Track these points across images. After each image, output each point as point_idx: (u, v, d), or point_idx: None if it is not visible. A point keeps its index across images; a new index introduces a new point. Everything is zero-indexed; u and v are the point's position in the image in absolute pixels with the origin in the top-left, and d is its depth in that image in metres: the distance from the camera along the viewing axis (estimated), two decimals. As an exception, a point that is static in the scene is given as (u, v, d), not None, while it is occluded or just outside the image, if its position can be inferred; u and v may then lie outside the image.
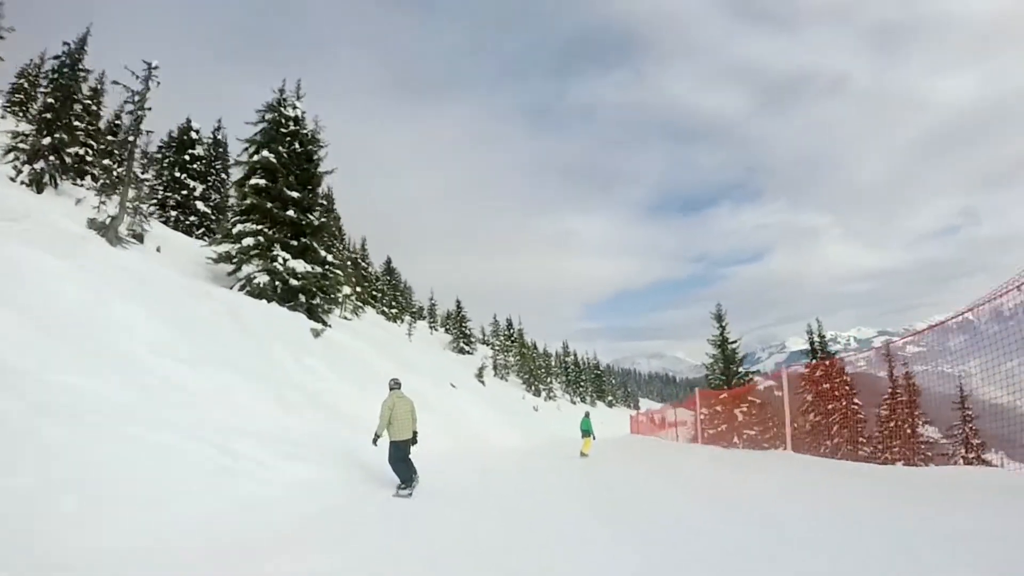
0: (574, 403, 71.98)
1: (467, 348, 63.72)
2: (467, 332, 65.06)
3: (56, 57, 24.36)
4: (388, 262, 67.51)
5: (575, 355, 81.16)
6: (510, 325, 71.09)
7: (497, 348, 65.46)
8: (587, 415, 19.67)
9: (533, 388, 59.89)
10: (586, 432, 18.04)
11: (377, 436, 8.35)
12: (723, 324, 30.25)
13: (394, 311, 58.39)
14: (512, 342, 70.83)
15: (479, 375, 47.91)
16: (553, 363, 75.41)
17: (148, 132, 19.50)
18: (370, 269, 60.08)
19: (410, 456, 8.43)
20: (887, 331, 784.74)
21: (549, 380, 64.15)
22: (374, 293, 55.74)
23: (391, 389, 8.79)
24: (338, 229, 47.95)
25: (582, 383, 77.95)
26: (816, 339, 30.77)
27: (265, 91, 22.88)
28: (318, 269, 21.47)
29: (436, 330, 71.83)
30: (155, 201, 29.67)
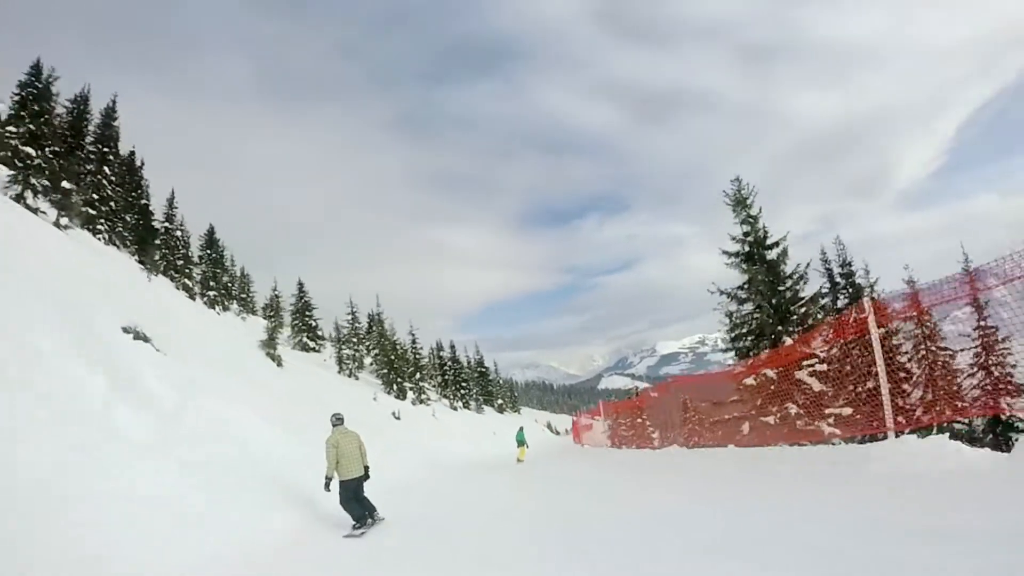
0: (455, 409, 55.73)
1: (312, 344, 46.12)
2: (311, 324, 47.55)
3: None
4: (210, 232, 48.48)
5: (453, 350, 64.69)
6: (371, 319, 54.00)
7: (344, 339, 47.87)
8: (521, 429, 27.70)
9: (395, 388, 43.10)
10: (520, 442, 25.47)
11: (328, 479, 8.08)
12: (748, 202, 19.10)
13: (211, 293, 40.12)
14: (370, 331, 53.29)
15: (268, 347, 29.20)
16: (425, 361, 58.65)
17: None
18: (178, 233, 41.54)
19: (363, 493, 8.30)
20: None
21: (418, 378, 47.37)
22: (177, 262, 37.69)
23: (333, 425, 8.56)
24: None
25: (463, 384, 61.71)
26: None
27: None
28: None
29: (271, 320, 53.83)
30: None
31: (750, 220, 18.97)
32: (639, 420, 22.63)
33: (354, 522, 7.93)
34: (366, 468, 8.52)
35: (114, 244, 33.16)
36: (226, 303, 44.74)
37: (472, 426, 45.02)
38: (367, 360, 50.29)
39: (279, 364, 28.73)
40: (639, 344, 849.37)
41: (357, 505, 8.07)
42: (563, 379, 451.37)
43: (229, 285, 49.93)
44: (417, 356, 50.51)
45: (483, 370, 71.00)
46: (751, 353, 17.37)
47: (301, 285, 49.74)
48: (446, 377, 60.55)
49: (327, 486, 8.12)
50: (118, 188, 34.66)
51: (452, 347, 64.26)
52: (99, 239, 30.26)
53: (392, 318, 49.43)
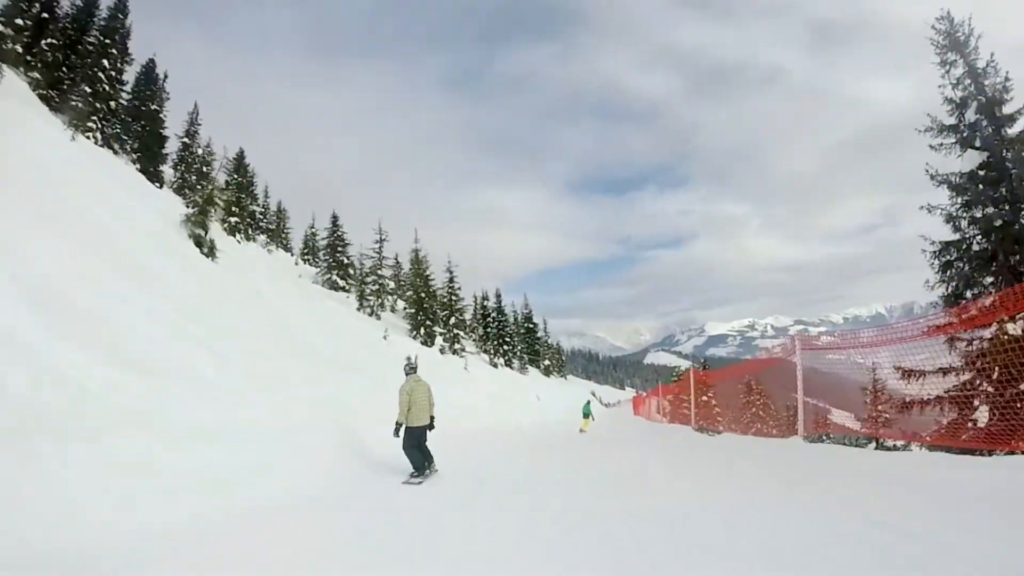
0: (495, 366, 49.52)
1: (342, 283, 40.52)
2: (343, 262, 41.77)
3: None
4: (240, 156, 43.45)
5: (499, 300, 58.11)
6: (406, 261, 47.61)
7: (369, 272, 41.29)
8: (588, 402, 27.91)
9: (422, 332, 36.90)
10: (586, 415, 25.17)
11: (399, 425, 8.19)
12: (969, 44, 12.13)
13: (234, 220, 34.87)
14: (398, 263, 47.84)
15: (195, 226, 21.44)
16: (468, 315, 52.41)
17: None
18: (199, 151, 37.67)
19: (426, 443, 8.36)
20: (803, 320, 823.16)
21: (453, 324, 40.90)
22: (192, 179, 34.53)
23: (407, 374, 8.72)
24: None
25: (508, 340, 55.32)
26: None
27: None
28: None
29: (307, 262, 48.90)
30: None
31: (976, 75, 11.79)
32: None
33: (413, 470, 8.02)
34: (432, 418, 8.66)
35: (109, 147, 29.07)
36: (250, 232, 40.00)
37: (509, 386, 38.52)
38: (399, 304, 44.44)
39: (211, 255, 21.28)
40: (687, 322, 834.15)
41: (419, 454, 8.16)
42: (609, 350, 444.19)
43: (260, 216, 46.77)
44: (454, 298, 43.87)
45: (531, 326, 64.36)
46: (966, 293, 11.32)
47: (335, 219, 44.23)
48: (488, 330, 54.40)
49: (396, 431, 8.19)
50: (120, 87, 31.19)
51: (499, 296, 57.74)
52: (88, 138, 26.24)
53: (430, 253, 42.39)
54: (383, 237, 43.20)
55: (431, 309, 37.83)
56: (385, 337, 29.19)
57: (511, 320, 59.19)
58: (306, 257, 51.43)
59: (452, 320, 40.57)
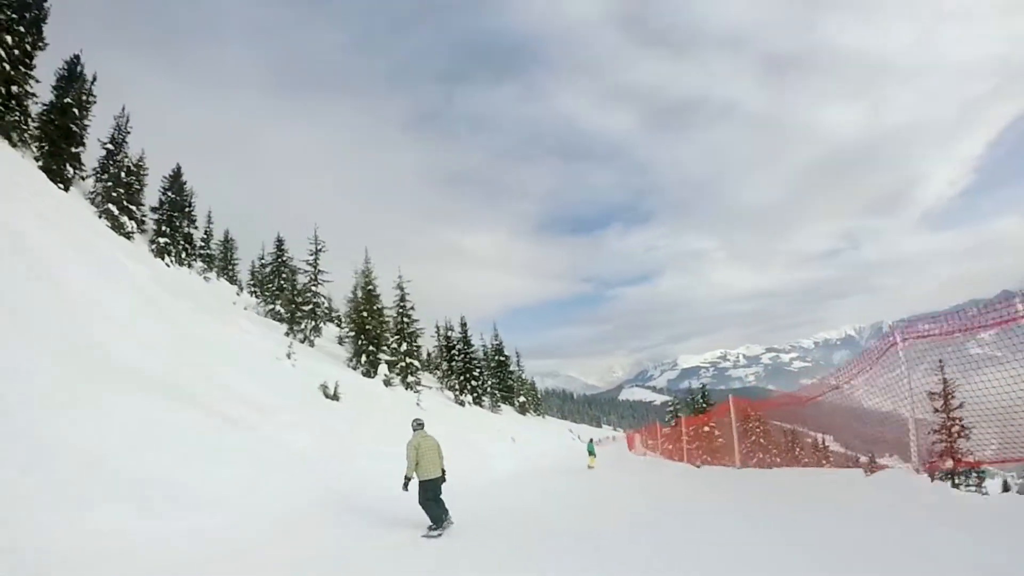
0: (461, 404, 42.99)
1: (286, 312, 34.20)
2: (287, 288, 35.57)
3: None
4: (176, 173, 37.96)
5: (465, 331, 51.79)
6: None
7: (302, 288, 34.65)
8: (591, 440, 30.38)
9: (363, 360, 30.10)
10: (591, 452, 25.69)
11: (408, 479, 8.36)
12: None
13: (163, 241, 29.05)
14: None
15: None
16: (428, 345, 45.94)
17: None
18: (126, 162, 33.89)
19: (441, 495, 8.43)
20: (774, 347, 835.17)
21: (404, 351, 34.16)
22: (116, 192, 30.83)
23: (414, 430, 8.82)
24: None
25: (475, 376, 48.87)
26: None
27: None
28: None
29: (254, 294, 43.98)
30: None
31: None
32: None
33: (431, 523, 8.11)
34: (443, 471, 8.72)
35: (6, 136, 24.57)
36: (184, 256, 35.84)
37: (475, 426, 32.13)
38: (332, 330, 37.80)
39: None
40: (660, 357, 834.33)
41: (436, 506, 8.26)
42: (583, 389, 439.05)
43: (201, 241, 42.43)
44: (406, 320, 37.33)
45: (502, 359, 58.23)
46: None
47: (280, 242, 38.10)
48: (453, 364, 48.06)
49: (406, 486, 8.37)
50: (28, 72, 26.52)
51: (464, 326, 51.74)
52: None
53: (381, 277, 35.93)
54: (319, 247, 35.97)
55: (375, 332, 31.30)
56: (290, 356, 23.20)
57: (479, 353, 53.06)
58: (254, 289, 46.43)
59: (403, 347, 34.02)
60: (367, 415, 20.81)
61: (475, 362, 49.87)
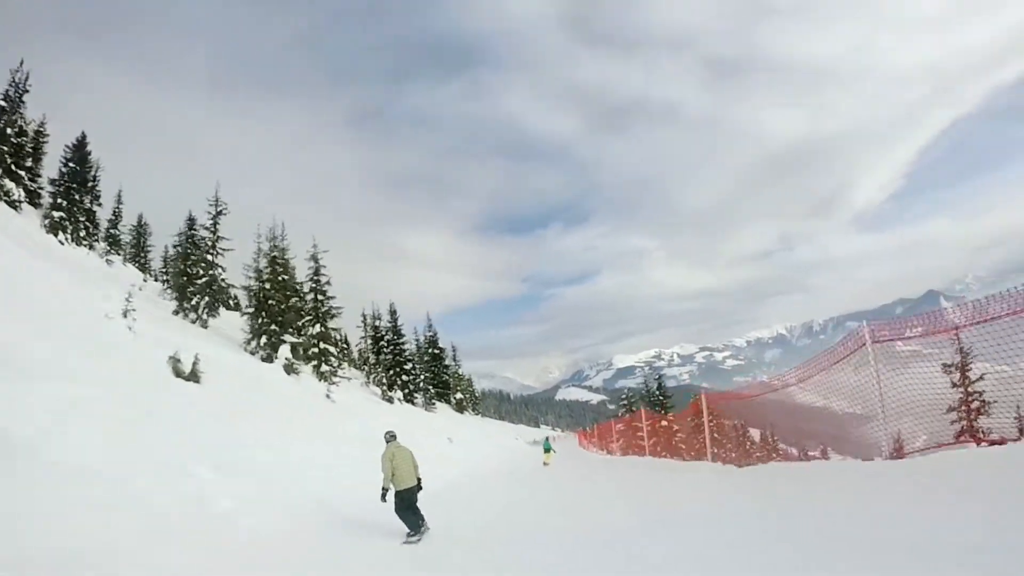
0: (389, 400, 37.06)
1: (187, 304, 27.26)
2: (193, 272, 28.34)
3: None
4: (80, 143, 31.61)
5: (394, 318, 45.98)
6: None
7: (195, 259, 26.84)
8: (547, 438, 33.17)
9: (262, 343, 23.98)
10: (547, 449, 25.33)
11: (385, 490, 8.39)
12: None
13: (58, 215, 22.80)
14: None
15: None
16: (345, 332, 39.97)
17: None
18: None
19: (416, 504, 8.51)
20: (707, 346, 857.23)
21: (316, 337, 27.79)
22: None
23: (387, 441, 8.87)
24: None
25: (408, 370, 43.18)
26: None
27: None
28: None
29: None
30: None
31: None
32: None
33: (409, 530, 8.27)
34: (419, 480, 8.82)
35: None
36: (84, 237, 31.69)
37: (401, 426, 26.39)
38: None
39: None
40: (595, 357, 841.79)
41: (412, 514, 8.40)
42: (519, 390, 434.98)
43: (109, 222, 40.08)
44: (320, 298, 31.01)
45: (436, 352, 52.44)
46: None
47: (192, 221, 31.58)
48: (382, 356, 42.25)
49: (383, 496, 8.36)
50: None
51: (394, 314, 45.67)
52: None
53: (294, 251, 29.74)
54: (220, 209, 28.87)
55: (279, 308, 25.25)
56: (126, 314, 15.63)
57: (411, 346, 47.38)
58: (166, 279, 39.20)
59: (315, 329, 27.96)
60: (246, 405, 14.95)
61: (406, 355, 44.05)
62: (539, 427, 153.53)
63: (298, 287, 28.74)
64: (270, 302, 24.92)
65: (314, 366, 26.13)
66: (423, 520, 8.38)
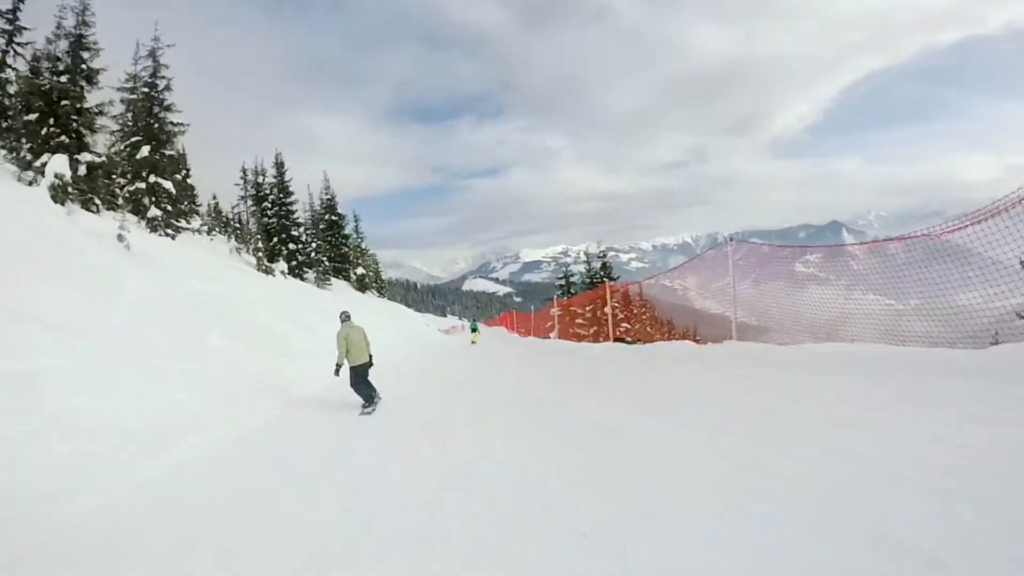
0: (267, 272, 28.37)
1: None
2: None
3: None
4: None
5: (282, 173, 36.68)
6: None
7: None
8: (474, 319, 37.38)
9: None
10: (474, 329, 31.60)
11: (339, 366, 9.14)
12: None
13: None
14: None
15: None
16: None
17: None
18: None
19: (369, 378, 9.11)
20: (614, 247, 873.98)
21: (148, 183, 18.69)
22: None
23: (343, 322, 9.43)
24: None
25: (296, 238, 34.62)
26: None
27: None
28: None
29: None
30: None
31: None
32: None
33: (363, 402, 8.89)
34: (370, 356, 9.42)
35: None
36: None
37: (275, 304, 19.12)
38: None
39: None
40: (502, 250, 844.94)
41: (365, 388, 8.99)
42: (426, 280, 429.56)
43: None
44: (156, 105, 20.94)
45: (334, 219, 43.55)
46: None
47: None
48: (266, 220, 33.56)
49: (337, 371, 9.15)
50: None
51: (280, 168, 36.16)
52: None
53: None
54: None
55: (57, 107, 15.97)
56: None
57: (307, 214, 38.59)
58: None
59: (141, 152, 18.81)
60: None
61: (295, 218, 35.34)
62: (446, 316, 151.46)
63: (92, 76, 18.56)
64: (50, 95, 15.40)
65: (133, 208, 17.32)
66: (375, 392, 9.05)
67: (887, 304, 8.19)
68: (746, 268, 11.27)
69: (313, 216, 42.86)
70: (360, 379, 8.90)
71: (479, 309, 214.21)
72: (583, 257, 39.04)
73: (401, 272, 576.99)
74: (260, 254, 28.79)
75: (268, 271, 27.46)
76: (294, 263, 33.11)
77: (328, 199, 43.69)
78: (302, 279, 32.97)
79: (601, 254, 37.81)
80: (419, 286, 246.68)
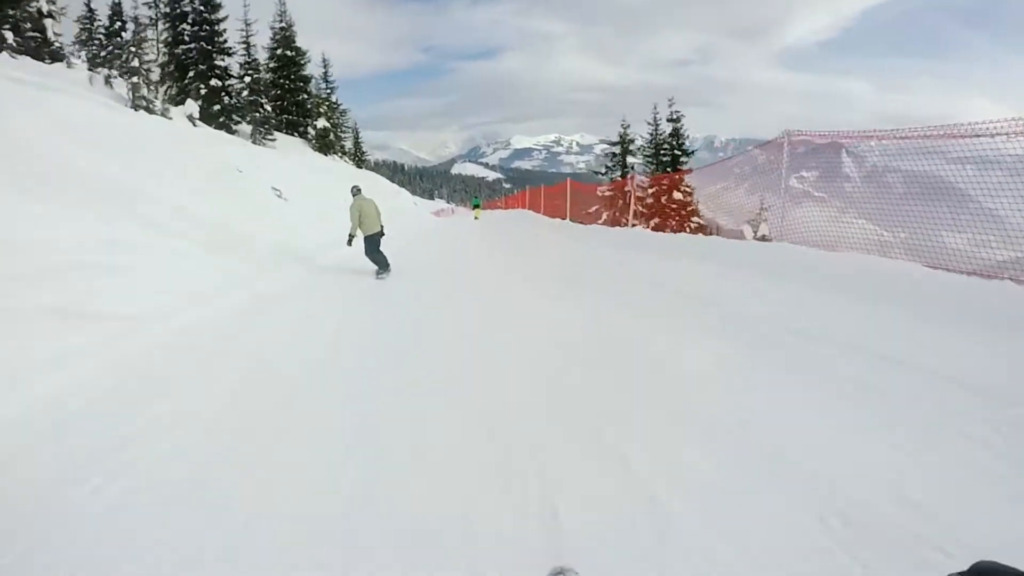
0: (192, 122, 18.23)
1: None
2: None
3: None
4: None
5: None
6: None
7: None
8: (476, 197, 46.01)
9: None
10: (476, 206, 36.54)
11: (351, 236, 9.53)
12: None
13: None
14: None
15: None
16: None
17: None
18: None
19: (381, 247, 9.50)
20: (607, 139, 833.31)
21: None
22: None
23: (354, 195, 9.66)
24: None
25: (227, 71, 23.77)
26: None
27: None
28: None
29: None
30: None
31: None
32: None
33: (377, 268, 9.39)
34: (381, 226, 9.72)
35: None
36: None
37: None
38: None
39: None
40: (493, 135, 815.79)
41: (379, 255, 9.41)
42: (414, 162, 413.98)
43: None
44: None
45: (289, 55, 31.22)
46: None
47: None
48: (182, 51, 22.65)
49: (350, 241, 9.56)
50: None
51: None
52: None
53: None
54: None
55: None
56: None
57: (249, 52, 27.08)
58: None
59: None
60: None
61: (221, 42, 24.19)
62: (434, 199, 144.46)
63: None
64: None
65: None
66: (387, 261, 9.48)
67: (877, 232, 8.17)
68: (740, 176, 11.88)
69: (262, 56, 31.07)
70: (374, 247, 9.42)
71: (467, 193, 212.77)
72: (575, 148, 32.64)
73: (388, 154, 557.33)
74: (170, 95, 18.16)
75: (148, 108, 16.89)
76: (217, 107, 22.36)
77: (282, 27, 31.33)
78: (230, 131, 22.35)
79: (674, 115, 27.16)
80: (407, 167, 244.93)
